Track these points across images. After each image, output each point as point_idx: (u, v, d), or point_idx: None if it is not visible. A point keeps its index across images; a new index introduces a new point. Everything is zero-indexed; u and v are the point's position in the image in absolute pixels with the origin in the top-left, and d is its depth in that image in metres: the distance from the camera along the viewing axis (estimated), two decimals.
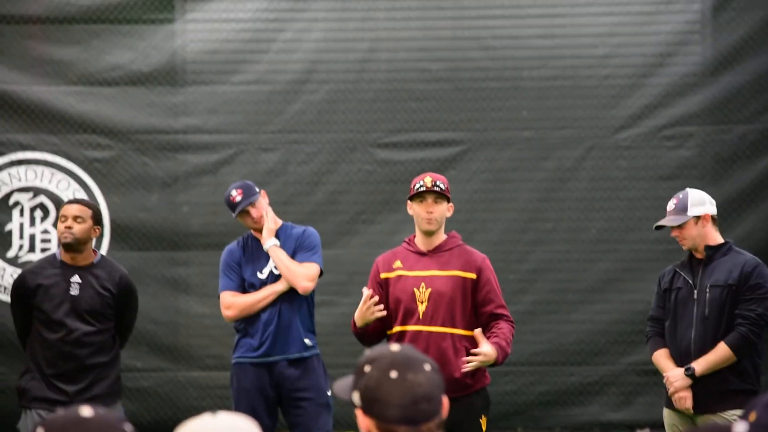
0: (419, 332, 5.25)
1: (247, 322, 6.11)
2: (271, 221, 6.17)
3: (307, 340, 6.05)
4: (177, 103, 9.60)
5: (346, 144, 9.63)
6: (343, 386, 2.53)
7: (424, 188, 5.33)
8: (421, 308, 5.26)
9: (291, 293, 6.05)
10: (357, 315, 5.26)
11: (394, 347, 2.45)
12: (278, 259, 6.04)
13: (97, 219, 6.03)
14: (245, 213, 6.16)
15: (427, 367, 2.39)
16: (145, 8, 9.57)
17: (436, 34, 9.69)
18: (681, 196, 5.52)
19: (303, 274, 6.02)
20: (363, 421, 2.38)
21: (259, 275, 6.12)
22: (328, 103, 9.64)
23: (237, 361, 6.13)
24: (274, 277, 6.09)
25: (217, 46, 9.62)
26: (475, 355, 5.13)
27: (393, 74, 9.65)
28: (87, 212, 5.99)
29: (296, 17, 9.64)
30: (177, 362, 9.45)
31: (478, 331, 5.17)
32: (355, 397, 2.40)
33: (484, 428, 5.28)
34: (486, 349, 5.14)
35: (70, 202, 6.15)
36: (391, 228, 8.94)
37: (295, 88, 9.65)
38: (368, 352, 2.48)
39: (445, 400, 2.42)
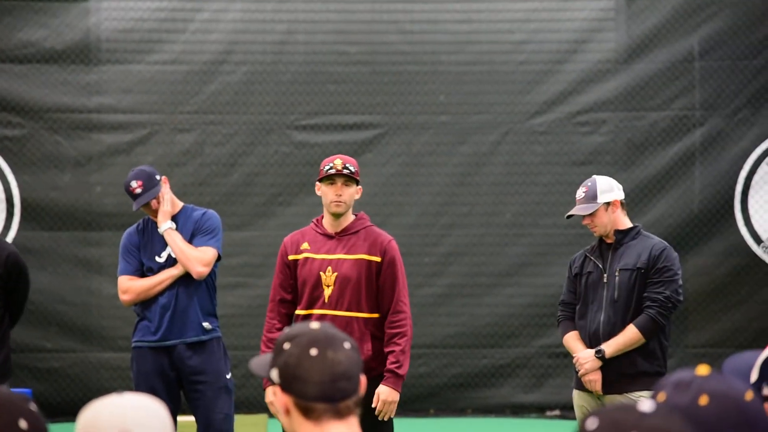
0: (324, 316, 5.24)
1: (144, 306, 6.04)
2: (167, 204, 6.09)
3: (206, 324, 6.00)
4: (91, 82, 9.47)
5: (263, 126, 9.60)
6: (260, 363, 2.53)
7: (333, 170, 5.30)
8: (327, 292, 5.24)
9: (188, 277, 6.00)
10: None
11: (314, 325, 2.45)
12: (173, 242, 5.97)
13: None
14: (145, 205, 6.09)
15: (347, 345, 2.40)
16: None
17: (354, 17, 9.69)
18: (590, 183, 5.57)
19: (197, 259, 5.96)
20: (281, 398, 2.38)
21: (157, 259, 6.05)
22: (245, 84, 9.59)
23: (135, 344, 6.07)
24: (172, 261, 6.02)
25: (133, 25, 9.51)
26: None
27: (311, 56, 9.63)
28: None
29: None
30: (89, 343, 9.35)
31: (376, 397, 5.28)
32: (274, 374, 2.40)
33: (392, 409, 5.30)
34: (384, 396, 5.25)
35: None
36: (307, 210, 8.92)
37: (212, 68, 9.58)
38: (287, 329, 2.48)
39: (363, 379, 2.43)
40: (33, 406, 2.08)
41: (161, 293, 6.00)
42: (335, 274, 5.26)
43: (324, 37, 9.63)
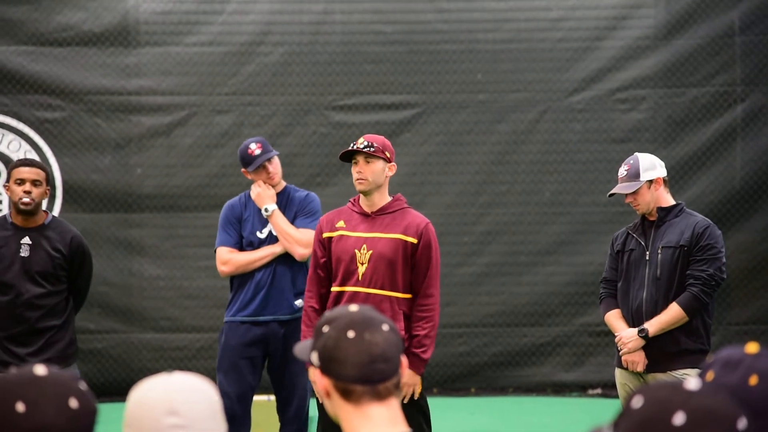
0: (357, 293, 5.22)
1: (241, 281, 6.11)
2: (278, 176, 6.21)
3: (297, 302, 6.07)
4: (130, 64, 9.51)
5: (300, 106, 9.61)
6: (303, 348, 2.54)
7: (353, 148, 5.27)
8: (361, 269, 5.23)
9: (286, 255, 6.07)
10: None
11: (353, 308, 2.46)
12: (276, 224, 6.06)
13: (49, 180, 5.95)
14: (262, 168, 6.15)
15: (385, 327, 2.41)
16: None
17: None
18: (632, 161, 5.53)
19: (300, 240, 6.03)
20: (321, 381, 2.40)
21: (259, 234, 6.13)
22: (283, 65, 9.60)
23: (229, 319, 6.12)
24: (273, 238, 6.10)
25: (171, 7, 9.54)
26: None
27: (347, 36, 9.62)
28: (42, 175, 5.90)
29: None
30: (130, 324, 9.43)
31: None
32: (314, 357, 2.41)
33: (419, 389, 5.29)
34: (404, 378, 5.15)
35: (23, 163, 5.95)
36: (345, 190, 8.94)
37: (250, 49, 9.60)
38: (327, 313, 2.49)
39: (405, 361, 2.44)
40: (83, 386, 2.10)
41: (258, 269, 6.07)
42: (370, 252, 5.25)
43: (360, 16, 9.62)
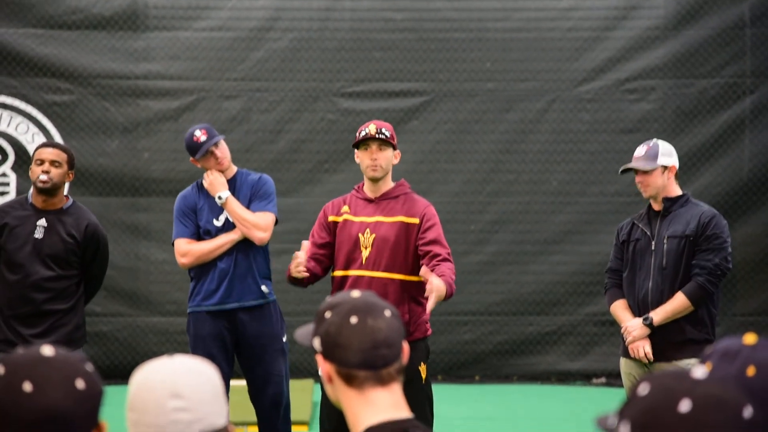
0: (361, 277, 5.23)
1: (202, 270, 6.04)
2: (226, 161, 6.12)
3: (263, 288, 6.02)
4: (138, 49, 9.52)
5: (309, 93, 9.61)
6: (304, 333, 2.55)
7: (368, 135, 5.28)
8: (365, 253, 5.25)
9: (247, 241, 6.02)
10: (290, 267, 5.26)
11: (355, 293, 2.46)
12: (232, 210, 5.98)
13: (71, 163, 5.94)
14: (209, 154, 6.07)
15: (387, 312, 2.41)
16: None
17: None
18: (652, 143, 5.52)
19: (258, 225, 5.98)
20: (323, 366, 2.40)
21: (215, 222, 6.06)
22: (292, 51, 9.60)
23: (193, 309, 6.07)
24: (230, 225, 6.03)
25: None
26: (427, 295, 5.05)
27: (357, 23, 9.62)
28: (63, 157, 5.90)
29: None
30: (137, 308, 9.45)
31: (424, 269, 5.09)
32: (316, 342, 2.41)
33: (423, 375, 5.28)
34: (437, 283, 5.03)
35: (46, 145, 5.96)
36: (353, 177, 8.93)
37: (258, 35, 9.60)
38: (329, 298, 2.50)
39: (406, 346, 2.44)
40: (90, 367, 2.10)
41: (220, 257, 6.02)
42: (373, 235, 5.26)
43: (370, 3, 9.61)
